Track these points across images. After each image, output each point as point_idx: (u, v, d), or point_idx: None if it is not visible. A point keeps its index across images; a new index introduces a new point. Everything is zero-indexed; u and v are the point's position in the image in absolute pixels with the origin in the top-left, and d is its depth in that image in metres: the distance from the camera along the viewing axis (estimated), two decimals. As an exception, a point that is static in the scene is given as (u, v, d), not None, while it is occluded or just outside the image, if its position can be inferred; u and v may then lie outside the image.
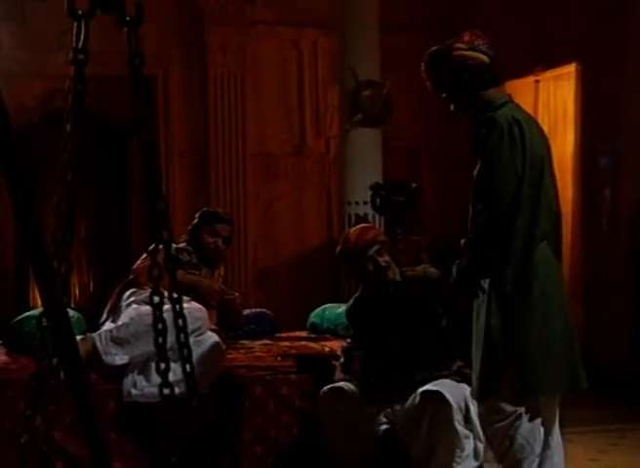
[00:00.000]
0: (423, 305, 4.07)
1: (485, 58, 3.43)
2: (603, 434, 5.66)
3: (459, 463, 3.74)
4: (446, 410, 3.74)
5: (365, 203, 7.52)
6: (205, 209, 5.26)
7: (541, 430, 3.34)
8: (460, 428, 3.76)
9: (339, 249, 4.16)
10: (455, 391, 3.80)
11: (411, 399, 3.88)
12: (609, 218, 7.47)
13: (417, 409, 3.84)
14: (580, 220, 7.65)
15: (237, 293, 5.15)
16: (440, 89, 3.50)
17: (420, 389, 3.85)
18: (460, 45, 3.45)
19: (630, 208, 7.24)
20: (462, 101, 3.48)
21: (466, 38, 3.47)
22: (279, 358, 4.55)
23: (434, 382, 3.87)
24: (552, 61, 7.93)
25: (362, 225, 4.38)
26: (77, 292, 9.74)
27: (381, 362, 4.08)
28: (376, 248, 4.07)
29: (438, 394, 3.78)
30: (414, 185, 7.14)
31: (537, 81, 8.23)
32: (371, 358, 4.12)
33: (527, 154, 3.27)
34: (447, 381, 3.90)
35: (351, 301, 4.35)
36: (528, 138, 3.30)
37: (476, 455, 3.84)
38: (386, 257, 4.10)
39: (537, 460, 3.32)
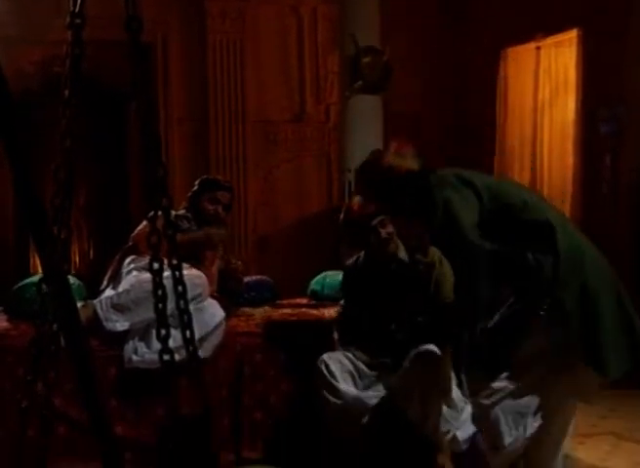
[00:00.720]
0: (426, 287, 4.06)
1: (413, 164, 3.38)
2: (602, 400, 5.68)
3: (457, 428, 3.74)
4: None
5: (365, 170, 7.46)
6: (205, 176, 5.26)
7: (534, 412, 3.31)
8: (456, 392, 3.76)
9: (342, 217, 4.14)
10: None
11: (405, 362, 3.87)
12: (609, 185, 7.44)
13: (410, 370, 3.83)
14: (581, 187, 7.62)
15: (240, 262, 5.17)
16: (378, 201, 3.48)
17: (415, 351, 3.84)
18: (387, 155, 3.42)
19: (631, 175, 7.21)
20: (401, 210, 3.46)
21: (394, 148, 3.43)
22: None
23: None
24: (553, 28, 7.87)
25: None
26: (77, 259, 9.75)
27: (380, 333, 4.08)
28: (379, 218, 4.05)
29: (432, 354, 3.78)
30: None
31: (538, 48, 8.17)
32: (370, 328, 4.12)
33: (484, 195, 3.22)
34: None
35: (351, 262, 4.34)
36: (478, 184, 3.25)
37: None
38: (389, 229, 4.08)
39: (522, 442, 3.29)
